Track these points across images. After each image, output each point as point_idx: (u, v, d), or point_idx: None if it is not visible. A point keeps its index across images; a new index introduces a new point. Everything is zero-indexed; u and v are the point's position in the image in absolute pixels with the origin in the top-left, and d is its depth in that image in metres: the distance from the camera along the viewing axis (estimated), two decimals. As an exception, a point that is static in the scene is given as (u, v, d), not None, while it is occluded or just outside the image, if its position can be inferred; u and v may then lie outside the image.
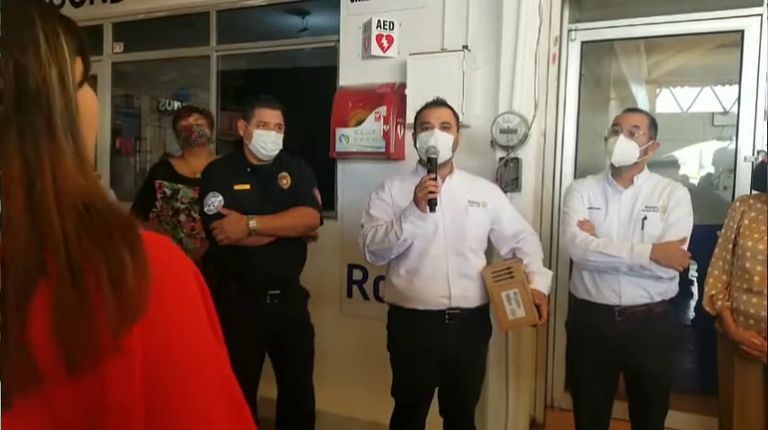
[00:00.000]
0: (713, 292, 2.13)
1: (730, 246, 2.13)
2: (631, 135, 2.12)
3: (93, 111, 0.60)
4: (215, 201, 2.21)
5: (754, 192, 2.33)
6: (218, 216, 2.20)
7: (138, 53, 3.88)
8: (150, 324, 0.51)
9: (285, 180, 2.33)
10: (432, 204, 1.96)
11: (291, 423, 2.44)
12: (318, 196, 2.39)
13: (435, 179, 1.98)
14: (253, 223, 2.18)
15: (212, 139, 3.14)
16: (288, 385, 2.41)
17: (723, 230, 2.18)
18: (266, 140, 2.26)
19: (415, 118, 2.23)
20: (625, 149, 2.12)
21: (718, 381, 2.21)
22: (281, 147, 2.30)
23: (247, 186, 2.27)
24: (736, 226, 2.12)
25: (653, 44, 3.83)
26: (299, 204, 2.31)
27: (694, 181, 3.99)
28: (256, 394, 2.35)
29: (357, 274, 3.11)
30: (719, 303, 2.10)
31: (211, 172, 2.35)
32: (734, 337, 2.05)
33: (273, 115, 2.28)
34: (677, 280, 2.17)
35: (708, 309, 2.14)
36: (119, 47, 3.89)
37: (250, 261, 2.23)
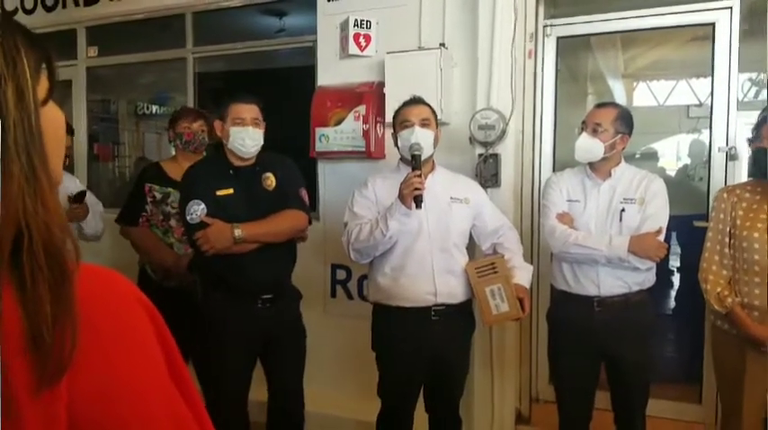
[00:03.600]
0: (719, 289, 2.06)
1: (726, 239, 2.09)
2: (594, 132, 2.15)
3: (59, 129, 0.56)
4: (197, 210, 2.14)
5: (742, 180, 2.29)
6: (202, 225, 2.12)
7: (114, 57, 3.84)
8: (81, 375, 0.47)
9: (269, 181, 2.27)
10: (417, 201, 1.97)
11: (282, 425, 2.41)
12: (305, 196, 2.34)
13: (420, 176, 1.99)
14: (238, 232, 2.10)
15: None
16: (279, 388, 2.37)
17: (713, 224, 2.14)
18: (244, 137, 2.17)
19: (394, 117, 2.24)
20: (586, 147, 2.16)
21: (715, 373, 2.19)
22: (260, 143, 2.22)
23: (231, 190, 2.19)
24: (728, 218, 2.08)
25: (629, 39, 3.87)
26: (285, 207, 2.24)
27: (671, 172, 4.05)
28: (247, 398, 2.32)
29: (341, 274, 3.11)
30: (730, 300, 2.03)
31: (192, 177, 2.25)
32: (754, 334, 1.97)
33: (248, 110, 2.19)
34: (654, 270, 2.20)
35: (717, 307, 2.05)
36: (93, 51, 3.84)
37: (237, 268, 2.16)
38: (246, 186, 2.23)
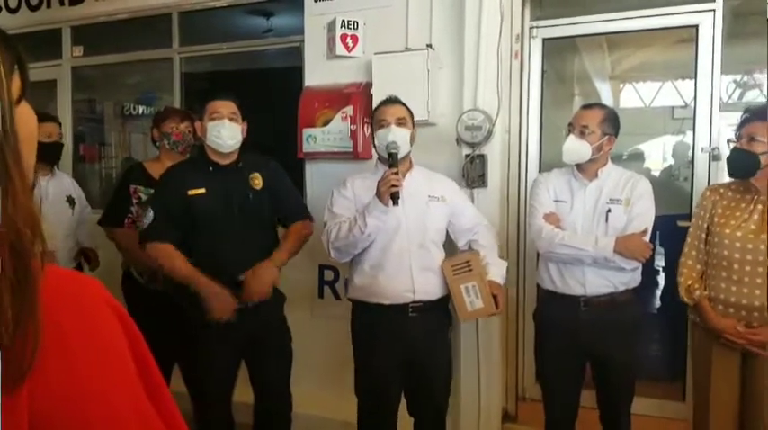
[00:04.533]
0: (689, 282, 2.13)
1: (703, 235, 2.14)
2: (581, 134, 2.17)
3: (32, 129, 0.56)
4: (149, 218, 2.18)
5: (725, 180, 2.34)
6: (153, 233, 2.17)
7: (99, 57, 3.80)
8: (45, 377, 0.46)
9: (257, 180, 2.26)
10: (394, 198, 2.00)
11: (269, 427, 2.40)
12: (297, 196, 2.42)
13: (397, 173, 2.02)
14: (275, 274, 2.22)
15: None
16: (265, 390, 2.36)
17: (694, 220, 2.20)
18: (219, 129, 2.15)
19: (372, 116, 2.27)
20: (574, 149, 2.18)
21: (692, 369, 2.24)
22: (238, 138, 2.21)
23: (202, 190, 2.18)
24: (707, 215, 2.14)
25: (615, 41, 3.91)
26: (289, 217, 2.36)
27: (657, 173, 4.09)
28: (231, 399, 2.32)
29: (328, 275, 3.10)
30: (698, 293, 2.10)
31: (166, 178, 2.27)
32: (716, 327, 2.04)
33: (224, 105, 2.19)
34: (640, 270, 2.22)
35: (686, 299, 2.13)
36: (78, 51, 3.80)
37: (218, 269, 2.14)
38: (226, 183, 2.21)
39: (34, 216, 0.49)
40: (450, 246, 2.35)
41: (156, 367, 0.58)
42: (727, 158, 2.13)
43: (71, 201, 2.88)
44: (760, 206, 2.04)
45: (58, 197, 2.81)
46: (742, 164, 2.05)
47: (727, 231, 2.06)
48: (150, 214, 2.18)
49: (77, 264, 2.87)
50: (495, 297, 2.16)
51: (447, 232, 2.29)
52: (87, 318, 0.52)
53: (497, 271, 2.23)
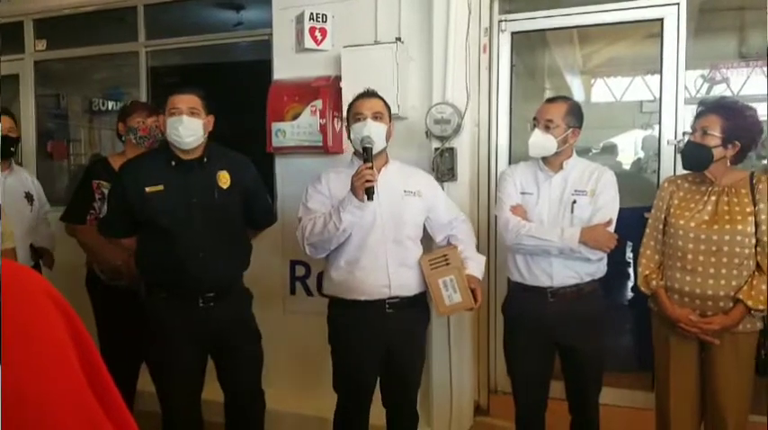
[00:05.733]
0: (647, 272, 2.16)
1: (660, 226, 2.18)
2: (546, 128, 2.18)
3: None
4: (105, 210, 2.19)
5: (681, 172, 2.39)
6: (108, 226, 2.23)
7: (63, 50, 3.71)
8: None
9: (224, 178, 2.19)
10: (369, 193, 1.98)
11: (240, 426, 2.37)
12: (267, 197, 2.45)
13: (372, 168, 1.99)
14: None
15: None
16: (233, 389, 2.31)
17: (653, 211, 2.23)
18: (177, 125, 2.09)
19: (348, 110, 2.23)
20: (539, 143, 2.19)
21: (654, 358, 2.29)
22: (198, 133, 2.14)
23: (160, 187, 2.12)
24: (665, 206, 2.17)
25: (585, 35, 3.94)
26: (257, 219, 2.37)
27: (627, 166, 4.15)
28: (200, 399, 2.28)
29: (300, 270, 3.08)
30: (654, 282, 2.13)
31: (123, 171, 2.22)
32: (671, 315, 2.08)
33: (184, 100, 2.13)
34: (605, 261, 2.24)
35: (643, 288, 2.17)
36: (41, 44, 3.71)
37: (177, 267, 2.11)
38: (187, 181, 2.15)
39: None
40: (427, 242, 2.33)
41: (102, 364, 0.55)
42: (681, 151, 2.17)
43: (29, 197, 2.79)
44: (714, 197, 2.07)
45: (15, 193, 2.72)
46: (695, 157, 2.09)
47: (682, 222, 2.09)
48: (105, 207, 2.14)
49: (35, 263, 2.79)
50: (473, 291, 2.15)
51: (425, 228, 2.27)
52: (23, 311, 0.50)
53: (475, 265, 2.22)
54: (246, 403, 2.35)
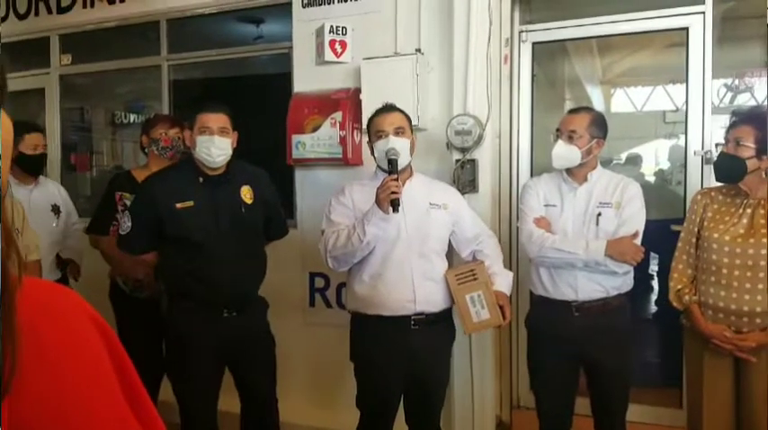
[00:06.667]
0: (679, 287, 2.11)
1: (693, 239, 2.12)
2: (570, 139, 2.15)
3: (8, 137, 0.53)
4: (127, 224, 2.18)
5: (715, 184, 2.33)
6: (129, 241, 2.20)
7: (87, 65, 3.78)
8: (23, 393, 0.45)
9: (248, 193, 2.23)
10: (394, 205, 1.95)
11: None
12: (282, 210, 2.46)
13: (397, 179, 1.97)
14: None
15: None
16: (252, 398, 2.33)
17: (685, 224, 2.18)
18: (209, 146, 2.12)
19: (368, 126, 2.21)
20: (563, 154, 2.16)
21: (685, 375, 2.22)
22: (228, 152, 2.18)
23: (191, 203, 2.14)
24: (698, 219, 2.11)
25: (606, 45, 3.91)
26: (273, 233, 2.40)
27: (650, 178, 4.09)
28: (216, 409, 2.28)
29: (319, 282, 3.06)
30: (687, 297, 2.08)
31: (151, 187, 2.21)
32: (704, 332, 2.02)
33: (215, 119, 2.15)
34: (632, 274, 2.19)
35: (675, 304, 2.11)
36: (66, 59, 3.78)
37: (204, 280, 2.13)
38: (216, 196, 2.18)
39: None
40: (453, 257, 2.30)
41: (139, 381, 0.57)
42: (714, 163, 2.12)
43: (56, 209, 2.83)
44: (749, 210, 2.02)
45: (42, 206, 2.77)
46: (728, 169, 2.04)
47: (716, 235, 2.03)
48: (127, 221, 2.15)
49: (62, 274, 2.82)
50: (501, 307, 2.11)
51: (450, 242, 2.23)
52: (66, 329, 0.51)
53: (503, 281, 2.18)
54: (264, 412, 2.36)
